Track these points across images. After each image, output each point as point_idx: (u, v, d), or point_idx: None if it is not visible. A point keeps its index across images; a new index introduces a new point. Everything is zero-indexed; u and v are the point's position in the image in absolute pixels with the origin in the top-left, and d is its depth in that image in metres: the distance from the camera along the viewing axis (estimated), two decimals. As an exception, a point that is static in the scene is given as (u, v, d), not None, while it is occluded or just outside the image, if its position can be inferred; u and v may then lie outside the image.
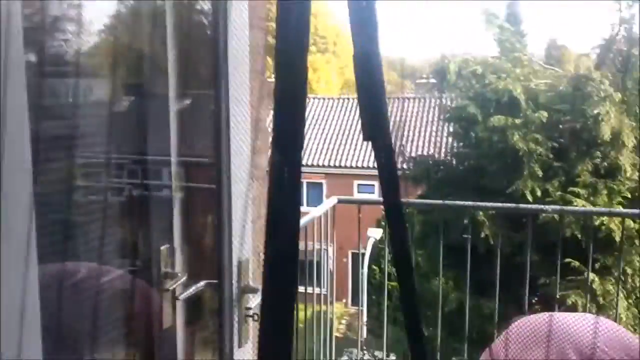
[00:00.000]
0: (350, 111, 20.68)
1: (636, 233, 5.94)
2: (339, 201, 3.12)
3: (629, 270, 6.11)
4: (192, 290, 1.38)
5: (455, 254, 6.91)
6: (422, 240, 7.38)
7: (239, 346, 1.42)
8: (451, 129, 8.03)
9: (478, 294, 5.90)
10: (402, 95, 22.42)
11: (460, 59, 7.45)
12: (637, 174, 6.34)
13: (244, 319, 1.41)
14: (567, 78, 6.89)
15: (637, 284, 6.11)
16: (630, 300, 6.22)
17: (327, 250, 2.82)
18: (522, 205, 4.47)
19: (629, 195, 6.23)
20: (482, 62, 7.25)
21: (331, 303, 2.95)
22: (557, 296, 3.72)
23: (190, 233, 1.49)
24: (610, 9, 6.85)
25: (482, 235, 6.63)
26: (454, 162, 7.66)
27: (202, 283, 1.41)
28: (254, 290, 1.41)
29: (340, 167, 19.05)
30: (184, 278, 1.43)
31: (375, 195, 19.44)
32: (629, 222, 6.14)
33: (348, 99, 21.67)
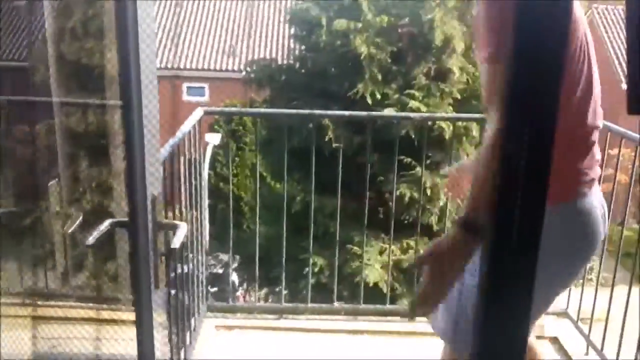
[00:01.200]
0: (178, 8, 19.34)
1: (464, 131, 6.51)
2: (205, 113, 2.94)
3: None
4: (97, 233, 1.19)
5: (300, 157, 7.07)
6: (268, 145, 7.40)
7: (156, 287, 1.29)
8: (293, 31, 7.90)
9: (323, 194, 6.14)
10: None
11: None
12: (465, 76, 6.86)
13: (160, 259, 1.27)
14: (405, -18, 7.05)
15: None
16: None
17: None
18: (360, 113, 4.79)
19: (459, 97, 6.75)
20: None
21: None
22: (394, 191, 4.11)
23: (81, 165, 1.27)
24: None
25: (327, 138, 6.80)
26: (298, 65, 7.62)
27: (107, 222, 1.23)
28: (169, 227, 1.27)
29: (167, 68, 17.99)
30: (81, 218, 1.24)
31: (206, 98, 18.83)
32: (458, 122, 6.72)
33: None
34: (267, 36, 18.69)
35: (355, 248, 6.48)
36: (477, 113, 6.76)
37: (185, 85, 18.72)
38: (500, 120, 1.23)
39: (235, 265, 9.91)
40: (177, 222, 1.26)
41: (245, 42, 18.59)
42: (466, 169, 2.02)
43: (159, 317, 1.39)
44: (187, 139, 2.59)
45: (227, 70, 18.06)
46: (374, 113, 5.69)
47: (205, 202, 3.22)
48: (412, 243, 6.56)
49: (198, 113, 2.84)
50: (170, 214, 2.36)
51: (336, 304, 3.14)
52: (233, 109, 7.95)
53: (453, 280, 1.30)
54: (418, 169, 6.32)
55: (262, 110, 6.69)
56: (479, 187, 1.32)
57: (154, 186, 1.22)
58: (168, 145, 2.27)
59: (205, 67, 18.37)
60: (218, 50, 18.52)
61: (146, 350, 1.27)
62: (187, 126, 2.61)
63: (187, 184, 2.68)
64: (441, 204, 6.61)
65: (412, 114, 5.80)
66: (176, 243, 1.20)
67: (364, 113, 4.85)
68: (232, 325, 3.13)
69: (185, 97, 18.73)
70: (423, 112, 6.29)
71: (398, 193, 6.49)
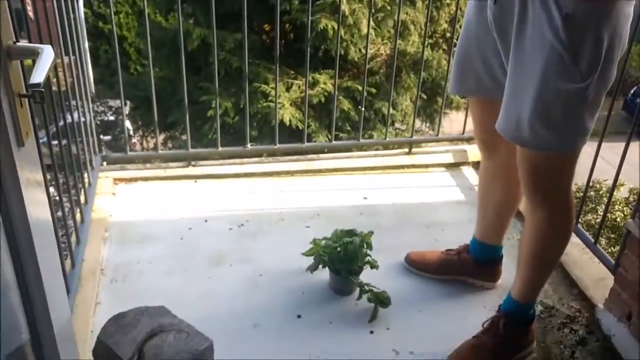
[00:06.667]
0: None
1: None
2: None
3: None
4: None
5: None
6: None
7: (20, 144, 0.90)
8: None
9: (220, 27, 5.50)
10: None
11: None
12: None
13: (19, 101, 0.87)
14: None
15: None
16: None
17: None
18: None
19: None
20: None
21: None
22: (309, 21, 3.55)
23: None
24: None
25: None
26: None
27: None
28: (26, 53, 0.85)
29: None
30: None
31: None
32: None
33: None
34: None
35: (264, 86, 6.08)
36: None
37: None
38: None
39: (127, 111, 9.17)
40: (37, 45, 0.83)
41: None
42: None
43: (35, 175, 1.02)
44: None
45: None
46: None
47: (85, 42, 2.65)
48: (319, 77, 6.22)
49: None
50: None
51: (249, 146, 2.83)
52: None
53: None
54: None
55: None
56: None
57: None
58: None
59: None
60: None
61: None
62: None
63: (60, 21, 2.09)
64: (356, 30, 6.24)
65: None
66: (39, 76, 0.79)
67: None
68: (133, 177, 2.77)
69: None
70: None
71: (320, 27, 5.99)
